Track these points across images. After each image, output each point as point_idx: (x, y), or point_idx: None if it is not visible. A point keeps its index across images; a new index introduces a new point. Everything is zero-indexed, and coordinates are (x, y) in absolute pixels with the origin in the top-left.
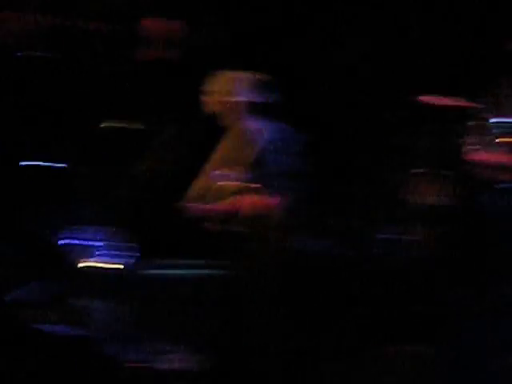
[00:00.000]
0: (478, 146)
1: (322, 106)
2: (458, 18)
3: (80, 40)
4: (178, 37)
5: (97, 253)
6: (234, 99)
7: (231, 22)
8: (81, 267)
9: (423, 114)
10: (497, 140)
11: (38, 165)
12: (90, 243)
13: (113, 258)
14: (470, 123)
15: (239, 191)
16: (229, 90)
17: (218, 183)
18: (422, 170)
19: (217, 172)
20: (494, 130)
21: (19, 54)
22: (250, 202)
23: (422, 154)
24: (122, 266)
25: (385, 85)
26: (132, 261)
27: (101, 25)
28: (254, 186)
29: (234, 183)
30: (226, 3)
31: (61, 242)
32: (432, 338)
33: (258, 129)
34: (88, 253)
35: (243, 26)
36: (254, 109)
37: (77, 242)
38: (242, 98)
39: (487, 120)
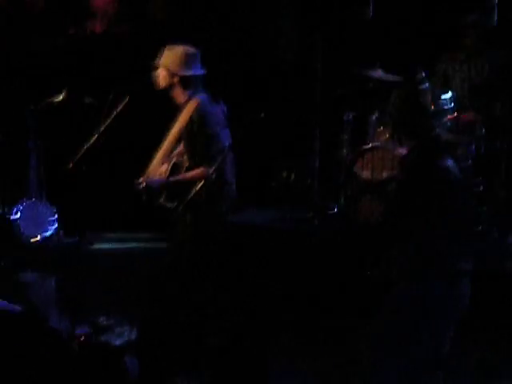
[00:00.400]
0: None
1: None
2: None
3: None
4: (127, 11)
5: (45, 227)
6: (180, 73)
7: None
8: (29, 241)
9: (373, 89)
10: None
11: None
12: (39, 217)
13: (59, 232)
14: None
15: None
16: (175, 63)
17: (173, 160)
18: (372, 145)
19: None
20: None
21: None
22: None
23: (372, 129)
24: (68, 240)
25: (335, 60)
26: (79, 235)
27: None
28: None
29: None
30: None
31: (11, 216)
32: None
33: (206, 103)
34: (36, 227)
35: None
36: (197, 82)
37: (26, 216)
38: (187, 72)
39: (435, 95)
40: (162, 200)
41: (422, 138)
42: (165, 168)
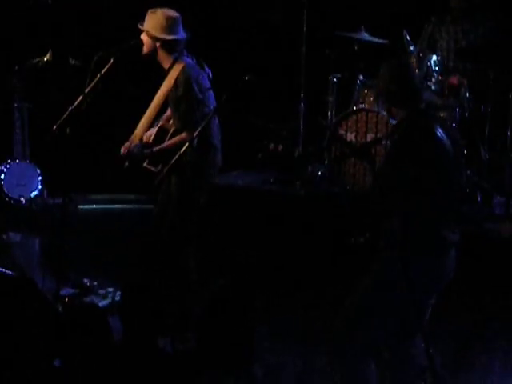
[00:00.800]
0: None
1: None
2: None
3: None
4: None
5: (29, 188)
6: (162, 37)
7: None
8: (14, 202)
9: (358, 51)
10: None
11: None
12: (23, 178)
13: (44, 193)
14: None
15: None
16: (156, 28)
17: (159, 124)
18: (357, 108)
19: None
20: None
21: None
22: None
23: (357, 91)
24: (53, 201)
25: (320, 22)
26: (63, 196)
27: None
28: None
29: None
30: None
31: None
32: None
33: (191, 67)
34: (21, 188)
35: None
36: (181, 46)
37: (10, 176)
38: (169, 36)
39: (423, 57)
40: (145, 164)
41: (412, 109)
42: (150, 133)
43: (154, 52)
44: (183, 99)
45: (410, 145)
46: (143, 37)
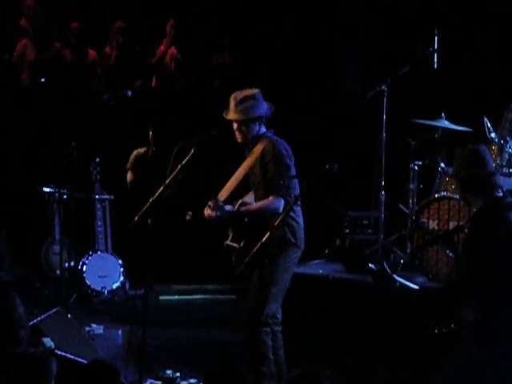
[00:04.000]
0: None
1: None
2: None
3: None
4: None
5: (111, 280)
6: (254, 115)
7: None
8: (96, 293)
9: (439, 139)
10: None
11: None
12: (105, 270)
13: (125, 284)
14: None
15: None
16: (254, 107)
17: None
18: (438, 196)
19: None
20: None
21: None
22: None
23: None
24: (134, 292)
25: (401, 110)
26: (145, 287)
27: None
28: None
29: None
30: None
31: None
32: None
33: (277, 139)
34: (104, 279)
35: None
36: (266, 122)
37: (92, 268)
38: (259, 114)
39: (504, 144)
40: (228, 241)
41: (488, 197)
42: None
43: (252, 136)
44: (271, 163)
45: (489, 235)
46: (243, 128)
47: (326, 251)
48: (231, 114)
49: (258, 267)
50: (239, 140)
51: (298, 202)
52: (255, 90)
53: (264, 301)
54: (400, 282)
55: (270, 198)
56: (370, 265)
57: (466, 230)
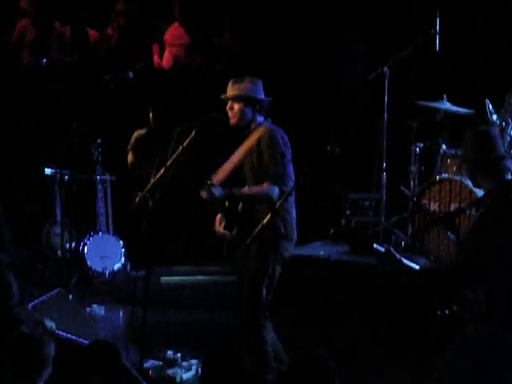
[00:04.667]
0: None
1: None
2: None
3: None
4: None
5: (112, 261)
6: (260, 97)
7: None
8: (97, 274)
9: (440, 121)
10: None
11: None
12: (106, 251)
13: (127, 265)
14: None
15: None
16: (251, 89)
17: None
18: (440, 178)
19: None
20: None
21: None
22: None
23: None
24: (135, 274)
25: (402, 92)
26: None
27: None
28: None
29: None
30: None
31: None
32: None
33: (276, 128)
34: (106, 260)
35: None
36: (266, 108)
37: (93, 249)
38: (263, 97)
39: (506, 126)
40: (222, 228)
41: (499, 181)
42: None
43: (244, 119)
44: (266, 151)
45: (497, 218)
46: (234, 105)
47: (332, 231)
48: (228, 91)
49: (251, 257)
50: (232, 120)
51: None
52: (257, 79)
53: (259, 294)
54: (406, 264)
55: (265, 185)
56: (375, 246)
57: (472, 212)
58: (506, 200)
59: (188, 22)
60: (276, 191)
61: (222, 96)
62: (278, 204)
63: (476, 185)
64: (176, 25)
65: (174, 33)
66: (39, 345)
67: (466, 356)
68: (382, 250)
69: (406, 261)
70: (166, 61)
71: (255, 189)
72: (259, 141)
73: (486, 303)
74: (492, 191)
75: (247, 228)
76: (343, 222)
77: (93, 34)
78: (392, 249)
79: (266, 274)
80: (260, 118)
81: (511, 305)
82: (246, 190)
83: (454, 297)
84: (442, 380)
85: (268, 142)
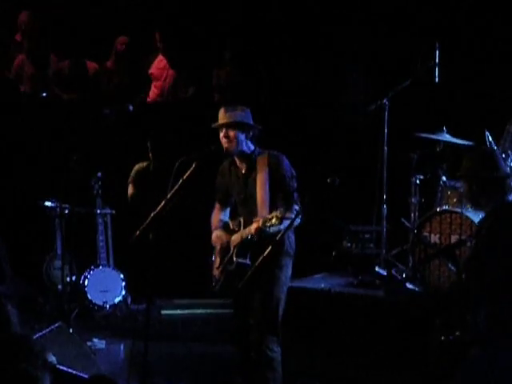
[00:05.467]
0: None
1: None
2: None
3: None
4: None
5: (113, 294)
6: (241, 120)
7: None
8: (98, 308)
9: (440, 153)
10: None
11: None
12: (107, 284)
13: (127, 298)
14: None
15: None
16: (247, 118)
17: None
18: (440, 209)
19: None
20: None
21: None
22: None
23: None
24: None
25: (402, 123)
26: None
27: None
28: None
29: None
30: None
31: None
32: None
33: (279, 155)
34: (106, 294)
35: None
36: (255, 137)
37: (94, 283)
38: (247, 121)
39: (506, 158)
40: (235, 257)
41: (501, 200)
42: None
43: (239, 145)
44: (285, 177)
45: (498, 237)
46: (230, 133)
47: (333, 254)
48: (220, 119)
49: (258, 281)
50: (227, 147)
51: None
52: (245, 107)
53: (274, 316)
54: (408, 287)
55: (290, 211)
56: (377, 269)
57: (469, 243)
58: (507, 220)
59: (173, 53)
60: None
61: (215, 124)
62: (279, 236)
63: (476, 205)
64: (160, 57)
65: (158, 65)
66: (34, 380)
67: (472, 379)
68: (384, 273)
69: (408, 284)
70: (152, 95)
71: (293, 221)
72: (271, 166)
73: (487, 325)
74: (494, 211)
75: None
76: (334, 252)
77: (92, 65)
78: (394, 272)
79: (280, 293)
80: (252, 147)
81: None
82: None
83: (457, 322)
84: None
85: (284, 167)
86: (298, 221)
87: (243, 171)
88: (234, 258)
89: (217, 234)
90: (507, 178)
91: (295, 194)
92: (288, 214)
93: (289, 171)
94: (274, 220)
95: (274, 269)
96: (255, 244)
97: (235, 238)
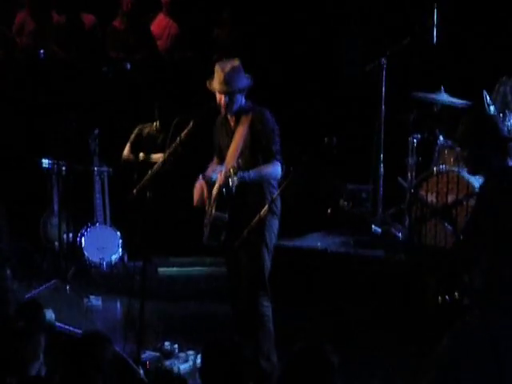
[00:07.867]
0: None
1: None
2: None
3: None
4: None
5: (109, 252)
6: (239, 87)
7: None
8: (95, 266)
9: (437, 113)
10: None
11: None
12: (103, 242)
13: (124, 256)
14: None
15: None
16: (240, 79)
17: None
18: (437, 169)
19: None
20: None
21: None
22: None
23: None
24: (132, 265)
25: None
26: (143, 259)
27: None
28: None
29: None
30: None
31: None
32: None
33: (268, 113)
34: (103, 251)
35: None
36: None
37: (91, 241)
38: (244, 85)
39: (503, 118)
40: (214, 210)
41: (502, 163)
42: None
43: (236, 107)
44: (264, 131)
45: (499, 201)
46: (228, 99)
47: (329, 210)
48: (219, 86)
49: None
50: (223, 110)
51: None
52: (237, 62)
53: (262, 272)
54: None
55: (272, 163)
56: (373, 227)
57: (465, 203)
58: (507, 183)
59: (176, 12)
60: (280, 167)
61: (212, 88)
62: (275, 195)
63: (474, 170)
64: (161, 15)
65: (159, 24)
66: (29, 337)
67: (465, 341)
68: (379, 231)
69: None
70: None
71: (265, 169)
72: (253, 121)
73: (484, 289)
74: (494, 174)
75: (239, 211)
76: (329, 210)
77: (88, 18)
78: (393, 229)
79: (266, 252)
80: (243, 100)
81: (510, 290)
82: (256, 171)
83: (456, 283)
84: (442, 365)
85: (265, 122)
86: (278, 172)
87: (231, 125)
88: (213, 211)
89: (199, 184)
90: (508, 140)
91: (276, 148)
92: (264, 167)
93: (269, 125)
94: (231, 170)
95: (259, 227)
96: (232, 197)
97: (214, 191)
